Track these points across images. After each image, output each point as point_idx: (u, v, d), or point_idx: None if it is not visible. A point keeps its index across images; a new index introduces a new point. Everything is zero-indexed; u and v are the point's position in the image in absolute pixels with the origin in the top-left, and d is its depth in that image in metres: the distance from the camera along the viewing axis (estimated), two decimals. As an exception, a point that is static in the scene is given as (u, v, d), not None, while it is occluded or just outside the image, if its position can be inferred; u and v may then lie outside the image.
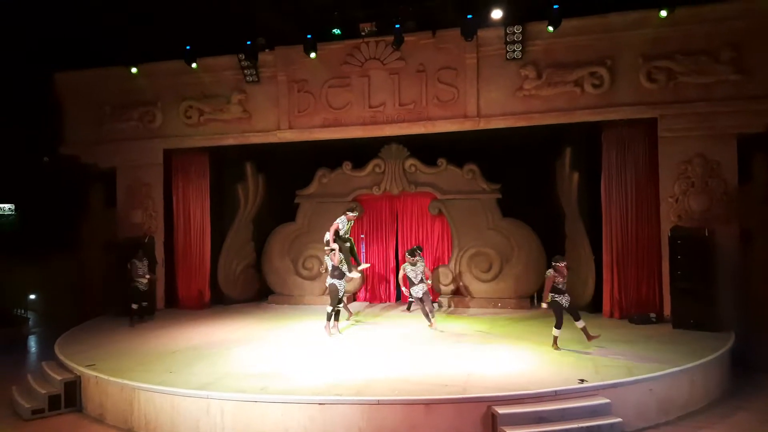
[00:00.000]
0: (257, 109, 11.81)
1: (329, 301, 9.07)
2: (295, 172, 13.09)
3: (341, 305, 9.47)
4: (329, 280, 9.00)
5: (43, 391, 7.65)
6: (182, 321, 10.95)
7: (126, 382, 7.13)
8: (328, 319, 8.88)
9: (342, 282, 9.16)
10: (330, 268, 9.10)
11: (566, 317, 8.14)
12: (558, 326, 8.14)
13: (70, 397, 7.65)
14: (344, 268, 9.00)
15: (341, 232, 9.19)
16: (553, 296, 8.09)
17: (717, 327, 8.83)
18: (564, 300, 8.12)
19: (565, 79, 10.18)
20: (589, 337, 8.10)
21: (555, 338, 8.18)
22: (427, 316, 9.58)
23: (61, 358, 8.35)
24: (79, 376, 7.72)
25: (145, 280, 10.77)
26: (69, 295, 12.14)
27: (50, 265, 11.96)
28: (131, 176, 12.44)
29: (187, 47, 11.07)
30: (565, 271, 8.11)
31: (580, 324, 8.10)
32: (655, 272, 10.03)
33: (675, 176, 9.76)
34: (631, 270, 10.14)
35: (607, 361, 7.45)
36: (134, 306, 10.64)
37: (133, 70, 11.57)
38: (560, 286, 8.10)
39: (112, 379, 7.28)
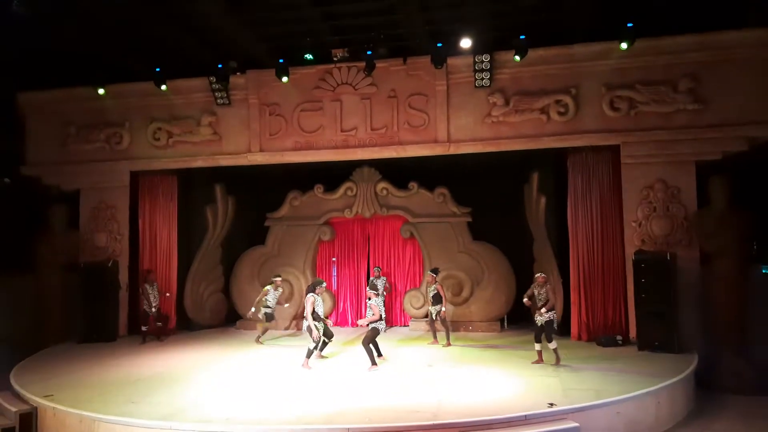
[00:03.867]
0: (228, 132, 11.76)
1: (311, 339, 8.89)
2: (266, 194, 13.05)
3: (323, 340, 9.32)
4: (306, 322, 8.86)
5: (-4, 424, 7.28)
6: (146, 348, 10.66)
7: (85, 413, 6.86)
8: (308, 356, 8.74)
9: (320, 323, 9.00)
10: (306, 313, 8.96)
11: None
12: (535, 340, 8.45)
13: (26, 429, 7.29)
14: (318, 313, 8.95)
15: (316, 307, 9.04)
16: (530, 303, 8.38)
17: (680, 348, 9.05)
18: (538, 317, 8.30)
19: (531, 107, 10.44)
20: (557, 360, 8.33)
21: (538, 353, 8.46)
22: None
23: (17, 388, 8.00)
24: (36, 408, 7.39)
25: (153, 309, 11.13)
26: (28, 321, 11.68)
27: (8, 290, 11.50)
28: (96, 198, 12.18)
29: (157, 69, 11.00)
30: (543, 287, 8.38)
31: (552, 345, 8.32)
32: (621, 295, 10.23)
33: (638, 201, 10.06)
34: (597, 293, 10.33)
35: (576, 383, 7.53)
36: (143, 328, 11.01)
37: (101, 90, 11.40)
38: (536, 300, 8.39)
39: (70, 410, 7.00)
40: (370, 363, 8.54)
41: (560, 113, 10.33)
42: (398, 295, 12.52)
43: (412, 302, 12.09)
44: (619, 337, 9.92)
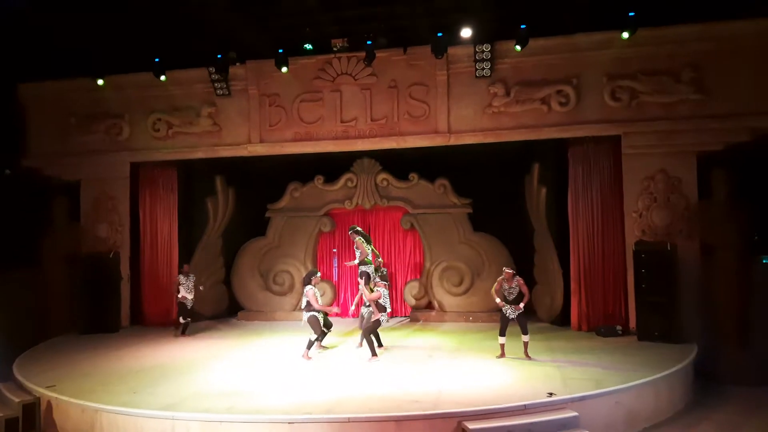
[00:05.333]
0: (228, 123, 11.73)
1: (312, 330, 8.93)
2: (266, 185, 13.02)
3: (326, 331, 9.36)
4: (306, 314, 8.90)
5: (0, 414, 7.33)
6: (148, 339, 10.71)
7: (87, 403, 6.91)
8: (308, 347, 8.78)
9: (320, 314, 9.04)
10: (304, 305, 8.99)
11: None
12: (500, 333, 8.42)
13: (29, 420, 7.35)
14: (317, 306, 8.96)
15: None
16: (502, 304, 8.33)
17: (680, 339, 9.07)
18: (509, 310, 8.29)
19: (532, 97, 10.40)
20: (526, 353, 8.35)
21: (501, 346, 8.43)
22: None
23: (20, 379, 8.05)
24: (39, 398, 7.45)
25: (190, 297, 10.88)
26: (30, 312, 11.74)
27: (10, 281, 11.54)
28: (97, 190, 12.18)
29: (156, 59, 10.95)
30: (512, 281, 8.32)
31: (525, 338, 8.37)
32: (621, 285, 10.25)
33: (639, 192, 10.04)
34: (597, 283, 10.34)
35: (576, 373, 7.56)
36: (182, 320, 10.87)
37: (100, 81, 11.36)
38: (505, 294, 8.36)
39: (73, 400, 7.05)
40: (370, 353, 8.57)
41: (561, 103, 10.29)
42: (399, 286, 12.54)
43: (412, 292, 12.12)
44: (619, 328, 9.96)
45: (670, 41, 9.77)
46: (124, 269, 11.94)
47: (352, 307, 10.11)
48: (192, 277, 10.99)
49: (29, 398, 7.49)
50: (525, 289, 8.40)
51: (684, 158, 9.85)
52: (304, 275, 9.60)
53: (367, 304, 9.10)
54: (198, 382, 7.63)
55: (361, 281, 8.98)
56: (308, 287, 8.86)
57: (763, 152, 9.48)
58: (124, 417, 6.60)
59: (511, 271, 8.39)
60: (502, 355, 8.46)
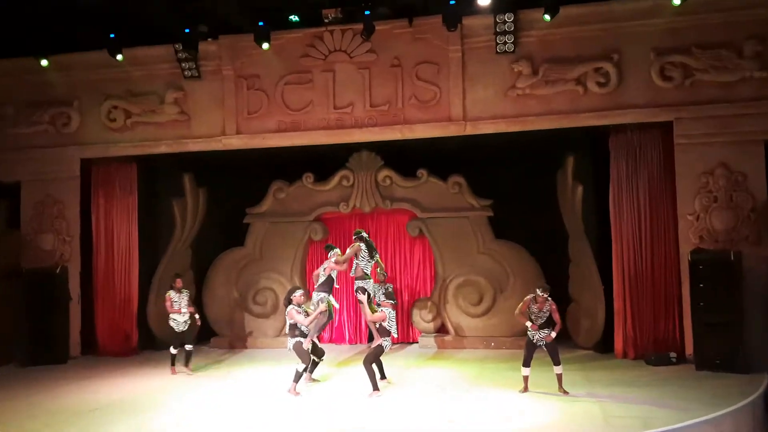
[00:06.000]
0: (198, 111, 11.79)
1: (299, 359, 8.93)
2: (245, 186, 13.10)
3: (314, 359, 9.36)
4: (291, 340, 8.91)
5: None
6: (103, 371, 10.71)
7: (30, 450, 6.91)
8: (296, 380, 8.78)
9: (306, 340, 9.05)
10: (288, 329, 9.01)
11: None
12: (524, 363, 8.40)
13: (-41, 470, 7.36)
14: (303, 328, 8.96)
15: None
16: (528, 328, 8.34)
17: (747, 368, 9.03)
18: (536, 335, 8.31)
19: (565, 77, 10.43)
20: (560, 387, 8.33)
21: (524, 379, 8.43)
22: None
23: (-52, 420, 8.04)
24: (-29, 444, 7.46)
25: (183, 316, 10.30)
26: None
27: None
28: (40, 192, 12.23)
29: (111, 35, 10.99)
30: (543, 304, 8.32)
31: (558, 370, 8.34)
32: (675, 303, 10.25)
33: (695, 190, 10.04)
34: (646, 301, 10.33)
35: (620, 411, 7.53)
36: (173, 351, 10.31)
37: (44, 62, 11.42)
38: (532, 317, 8.35)
39: (12, 446, 7.05)
40: (371, 387, 8.57)
41: (600, 84, 10.31)
42: (404, 305, 12.54)
43: (422, 314, 12.13)
44: (672, 354, 9.95)
45: (731, 7, 9.78)
46: (74, 288, 11.96)
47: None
48: (186, 294, 10.52)
49: (-40, 444, 7.49)
50: (557, 317, 8.38)
51: (749, 149, 9.85)
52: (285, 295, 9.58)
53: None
54: (161, 424, 7.63)
55: (363, 297, 8.97)
56: (290, 307, 8.88)
57: None
58: (75, 466, 6.59)
59: (544, 295, 8.33)
60: (525, 389, 8.46)
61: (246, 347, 12.46)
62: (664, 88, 10.09)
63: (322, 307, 9.28)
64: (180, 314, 10.31)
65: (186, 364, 10.33)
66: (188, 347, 10.36)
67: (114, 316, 12.17)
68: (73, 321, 11.91)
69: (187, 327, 10.39)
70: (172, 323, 10.33)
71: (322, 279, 9.98)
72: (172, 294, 10.41)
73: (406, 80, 11.07)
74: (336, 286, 10.18)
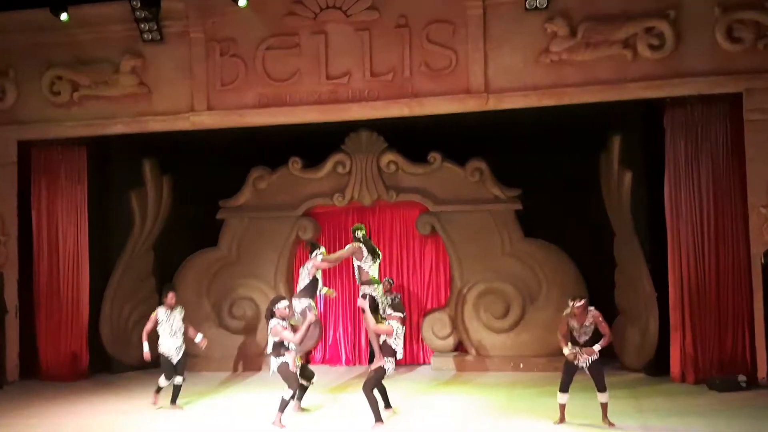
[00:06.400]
0: (160, 82, 11.79)
1: (286, 385, 8.95)
2: (218, 173, 13.09)
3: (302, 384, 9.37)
4: (275, 361, 8.91)
5: None
6: (47, 399, 10.72)
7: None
8: (281, 409, 8.78)
9: (296, 358, 9.07)
10: (271, 348, 9.01)
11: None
12: (560, 389, 8.36)
13: None
14: (292, 346, 8.98)
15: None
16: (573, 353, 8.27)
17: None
18: (579, 357, 8.26)
19: (610, 38, 10.39)
20: (605, 418, 8.30)
21: (560, 408, 8.40)
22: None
23: None
24: None
25: (176, 340, 9.79)
26: None
27: None
28: (-32, 182, 12.26)
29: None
30: (583, 316, 8.26)
31: (603, 398, 8.28)
32: (745, 316, 10.23)
33: (769, 177, 10.05)
34: (709, 313, 10.31)
35: (678, 447, 7.55)
36: (161, 383, 9.85)
37: (-29, 23, 11.46)
38: (574, 335, 8.32)
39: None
40: (373, 418, 8.58)
41: (653, 47, 10.27)
42: (414, 318, 12.54)
43: (435, 329, 12.13)
44: (741, 378, 9.92)
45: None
46: (11, 298, 11.99)
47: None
48: (180, 312, 9.99)
49: None
50: (605, 328, 8.31)
51: (836, 126, 9.84)
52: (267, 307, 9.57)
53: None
54: (121, 464, 7.67)
55: (365, 303, 8.98)
56: (273, 322, 8.89)
57: None
58: None
59: (581, 303, 8.28)
60: (562, 419, 8.44)
61: (221, 370, 12.47)
62: (732, 52, 10.05)
63: (311, 317, 9.27)
64: (171, 338, 9.79)
65: (173, 401, 9.88)
66: (178, 380, 9.85)
67: (60, 332, 12.19)
68: (10, 338, 11.94)
69: (181, 355, 9.88)
70: (163, 349, 9.81)
71: (304, 282, 9.94)
72: (160, 313, 9.87)
73: (415, 44, 11.05)
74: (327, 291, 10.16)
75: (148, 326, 9.91)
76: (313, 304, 9.79)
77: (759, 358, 9.99)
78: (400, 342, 8.95)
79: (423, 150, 12.24)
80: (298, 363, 9.12)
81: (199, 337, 9.97)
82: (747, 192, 10.18)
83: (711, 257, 10.37)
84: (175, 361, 9.80)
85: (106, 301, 12.58)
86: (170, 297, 9.95)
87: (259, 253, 12.74)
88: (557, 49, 10.59)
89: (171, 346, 9.80)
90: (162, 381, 9.87)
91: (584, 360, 8.24)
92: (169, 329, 9.81)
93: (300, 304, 9.80)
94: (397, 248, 12.83)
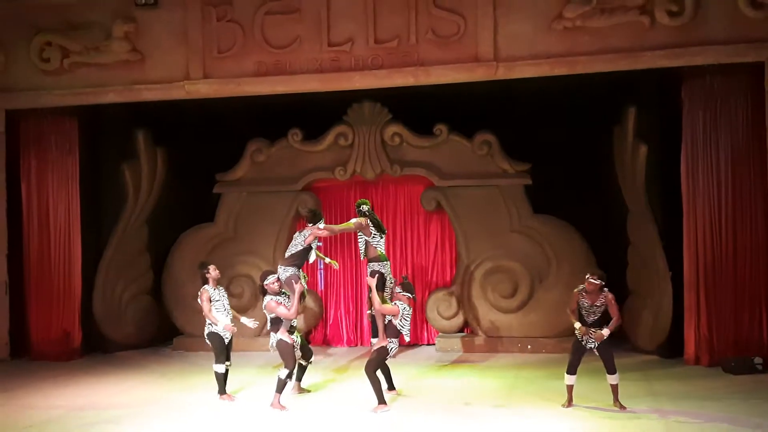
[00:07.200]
0: (154, 48, 11.73)
1: (282, 363, 8.93)
2: (215, 145, 13.09)
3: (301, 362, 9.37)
4: (274, 338, 8.90)
5: None
6: (38, 379, 10.77)
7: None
8: (279, 389, 8.76)
9: (296, 335, 9.09)
10: (270, 324, 8.98)
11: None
12: (568, 371, 8.41)
13: None
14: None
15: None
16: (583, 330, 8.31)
17: None
18: (585, 337, 8.28)
19: (626, 4, 10.29)
20: (616, 401, 8.35)
21: (568, 389, 8.45)
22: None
23: None
24: None
25: (226, 320, 9.31)
26: None
27: None
28: (-46, 154, 12.26)
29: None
30: (596, 296, 8.28)
31: (613, 379, 8.32)
32: (762, 296, 10.25)
33: (792, 151, 9.99)
34: (725, 293, 10.32)
35: (691, 430, 7.53)
36: (218, 369, 9.25)
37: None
38: (583, 313, 8.35)
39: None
40: (376, 400, 8.57)
41: (671, 13, 10.14)
42: (419, 297, 12.46)
43: (441, 309, 12.14)
44: (758, 360, 9.95)
45: None
46: (1, 273, 11.98)
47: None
48: (222, 290, 9.63)
49: None
50: (615, 311, 8.32)
51: None
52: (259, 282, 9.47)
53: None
54: (113, 445, 7.67)
55: (372, 281, 8.96)
56: (267, 298, 8.86)
57: None
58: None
59: (597, 282, 8.28)
60: (570, 402, 8.47)
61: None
62: (754, 19, 9.93)
63: (298, 287, 9.14)
64: (227, 317, 9.36)
65: (222, 391, 9.33)
66: (227, 364, 9.36)
67: (51, 310, 12.22)
68: (0, 317, 11.93)
69: (231, 335, 9.47)
70: (213, 329, 9.29)
71: (295, 249, 9.71)
72: (209, 290, 9.38)
73: (421, 8, 10.95)
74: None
75: (207, 306, 9.26)
76: (299, 273, 9.60)
77: (776, 340, 10.01)
78: (407, 324, 8.90)
79: (429, 122, 12.21)
80: (298, 340, 9.10)
81: (243, 320, 9.57)
82: (767, 167, 10.12)
83: (728, 235, 10.36)
84: (226, 342, 9.37)
85: (99, 277, 12.62)
86: (213, 270, 9.47)
87: (257, 229, 12.75)
88: (571, 15, 10.45)
89: (229, 325, 9.34)
90: (219, 368, 9.26)
91: (592, 341, 8.28)
92: (222, 307, 9.39)
93: (284, 272, 9.46)
94: (401, 225, 12.83)
